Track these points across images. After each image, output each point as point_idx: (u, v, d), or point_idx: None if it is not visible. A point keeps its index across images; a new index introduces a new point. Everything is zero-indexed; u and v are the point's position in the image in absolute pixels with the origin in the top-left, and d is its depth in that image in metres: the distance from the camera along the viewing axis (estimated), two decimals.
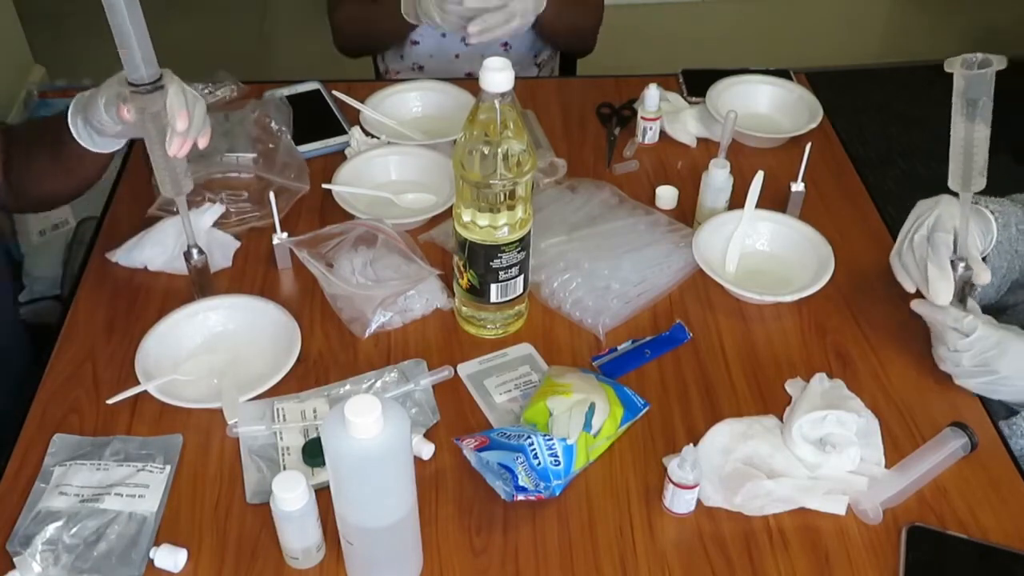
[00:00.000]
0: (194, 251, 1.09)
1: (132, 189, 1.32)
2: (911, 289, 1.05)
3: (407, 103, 1.49)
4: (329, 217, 1.25)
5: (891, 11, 3.79)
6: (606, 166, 1.39)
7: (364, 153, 1.34)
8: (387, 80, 1.74)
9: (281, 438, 0.98)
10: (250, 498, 0.93)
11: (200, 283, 1.12)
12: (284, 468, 0.95)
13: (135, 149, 1.40)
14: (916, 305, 1.04)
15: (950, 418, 1.03)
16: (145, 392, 1.01)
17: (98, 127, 1.03)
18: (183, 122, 0.96)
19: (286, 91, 1.50)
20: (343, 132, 1.41)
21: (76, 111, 1.04)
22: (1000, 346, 0.98)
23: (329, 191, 1.26)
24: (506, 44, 1.68)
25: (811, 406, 0.96)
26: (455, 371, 1.06)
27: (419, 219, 1.25)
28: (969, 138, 0.95)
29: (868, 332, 1.12)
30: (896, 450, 0.99)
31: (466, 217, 1.01)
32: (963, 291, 1.03)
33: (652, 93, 1.40)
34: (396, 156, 1.35)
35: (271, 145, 1.33)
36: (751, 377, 1.07)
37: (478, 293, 1.07)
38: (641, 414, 1.01)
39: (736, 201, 1.24)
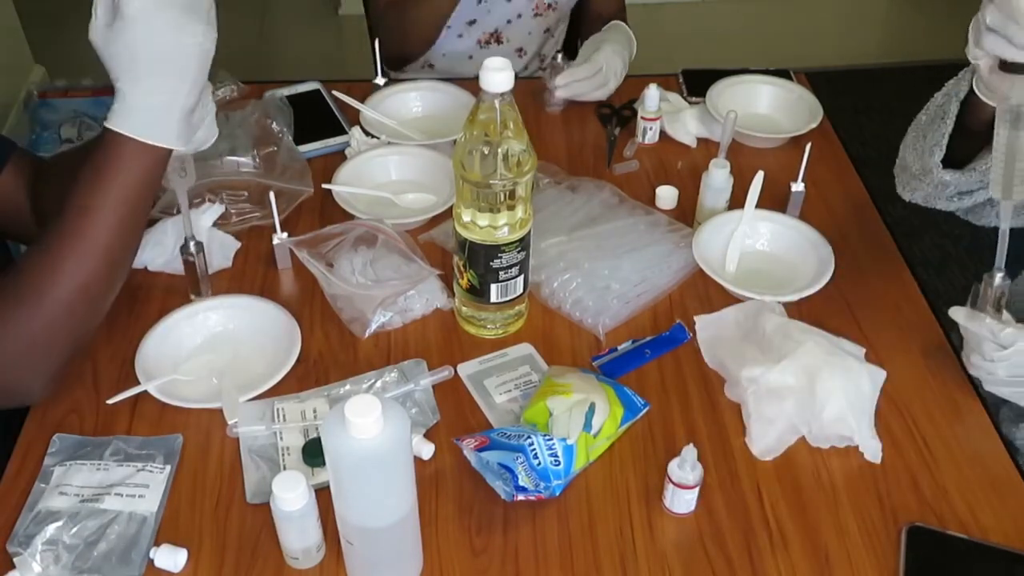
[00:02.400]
0: (191, 243, 1.09)
1: None
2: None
3: (407, 103, 1.49)
4: (329, 217, 1.25)
5: (890, 11, 3.79)
6: (606, 166, 1.39)
7: (364, 153, 1.34)
8: (387, 76, 1.74)
9: (281, 438, 0.98)
10: (250, 498, 0.93)
11: (195, 278, 1.11)
12: (284, 468, 0.95)
13: None
14: (955, 312, 1.00)
15: (951, 418, 1.03)
16: (145, 392, 1.01)
17: None
18: None
19: (286, 91, 1.50)
20: (343, 132, 1.41)
21: None
22: None
23: (329, 191, 1.26)
24: (521, 49, 1.69)
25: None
26: (455, 371, 1.06)
27: (419, 219, 1.25)
28: (1012, 145, 0.92)
29: (868, 332, 1.12)
30: (897, 450, 0.99)
31: (466, 217, 1.01)
32: (998, 301, 1.00)
33: (652, 93, 1.40)
34: (396, 156, 1.35)
35: (272, 147, 1.32)
36: None
37: (478, 293, 1.07)
38: (641, 414, 1.01)
39: (736, 201, 1.24)
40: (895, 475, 0.97)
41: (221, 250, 1.20)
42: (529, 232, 1.04)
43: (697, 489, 0.91)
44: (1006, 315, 1.01)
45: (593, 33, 1.55)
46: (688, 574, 0.88)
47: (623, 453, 0.98)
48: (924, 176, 1.10)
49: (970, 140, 1.02)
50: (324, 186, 1.26)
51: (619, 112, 1.48)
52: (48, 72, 2.96)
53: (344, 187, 1.27)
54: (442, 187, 1.29)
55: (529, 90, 1.47)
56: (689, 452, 0.89)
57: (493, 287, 1.06)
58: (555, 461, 0.90)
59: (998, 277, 0.99)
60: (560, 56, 1.46)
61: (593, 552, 0.89)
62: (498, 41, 1.66)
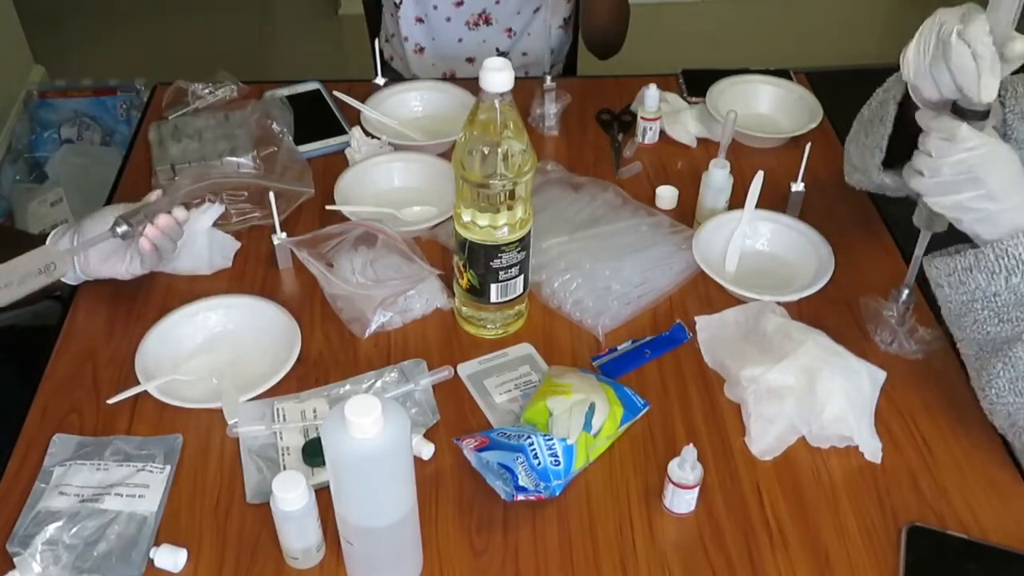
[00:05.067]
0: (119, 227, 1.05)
1: (132, 191, 1.32)
2: (936, 96, 0.90)
3: (407, 103, 1.49)
4: (329, 217, 1.25)
5: (890, 11, 3.79)
6: (615, 173, 1.38)
7: (367, 160, 1.34)
8: (387, 77, 1.74)
9: (281, 438, 0.98)
10: (250, 498, 0.93)
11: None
12: (284, 468, 0.95)
13: (133, 154, 1.41)
14: (921, 117, 0.92)
15: (952, 418, 1.03)
16: (145, 392, 1.01)
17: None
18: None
19: (286, 91, 1.50)
20: (343, 132, 1.41)
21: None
22: (991, 155, 0.88)
23: (329, 191, 1.26)
24: (510, 29, 1.68)
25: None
26: (455, 371, 1.06)
27: (421, 227, 1.25)
28: None
29: (868, 332, 1.12)
30: (897, 450, 0.99)
31: (466, 217, 1.01)
32: (903, 316, 1.08)
33: (651, 93, 1.40)
34: (399, 163, 1.34)
35: (272, 147, 1.32)
36: None
37: (478, 293, 1.07)
38: (641, 414, 1.01)
39: (736, 201, 1.24)
40: (895, 475, 0.97)
41: (221, 250, 1.20)
42: (529, 232, 1.04)
43: (697, 489, 0.91)
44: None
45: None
46: (688, 574, 0.88)
47: (623, 453, 0.98)
48: (865, 173, 1.12)
49: (909, 140, 0.97)
50: (328, 207, 1.24)
51: (619, 118, 1.48)
52: (48, 72, 2.96)
53: (348, 206, 1.24)
54: (446, 196, 1.28)
55: (528, 90, 1.47)
56: (689, 452, 0.89)
57: (493, 287, 1.06)
58: (555, 461, 0.90)
59: (904, 293, 1.05)
60: (549, 79, 1.45)
61: (593, 552, 0.89)
62: (487, 22, 1.66)
